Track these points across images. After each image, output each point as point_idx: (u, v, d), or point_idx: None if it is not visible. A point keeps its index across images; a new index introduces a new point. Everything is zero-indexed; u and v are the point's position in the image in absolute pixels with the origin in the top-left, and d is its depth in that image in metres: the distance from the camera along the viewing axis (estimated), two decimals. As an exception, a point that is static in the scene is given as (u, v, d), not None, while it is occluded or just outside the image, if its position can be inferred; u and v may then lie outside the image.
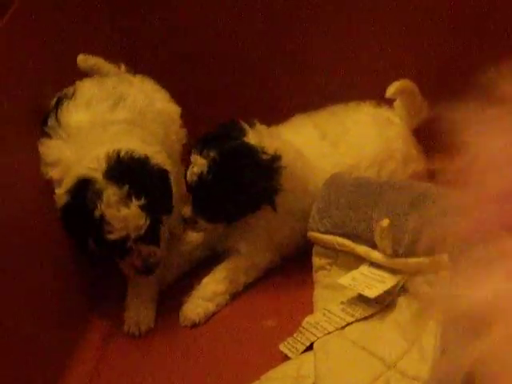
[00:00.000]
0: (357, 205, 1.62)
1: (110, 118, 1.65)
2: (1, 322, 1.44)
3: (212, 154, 1.63)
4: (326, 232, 1.66)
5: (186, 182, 1.68)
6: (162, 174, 1.62)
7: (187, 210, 1.70)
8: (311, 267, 1.69)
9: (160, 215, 1.60)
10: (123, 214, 1.52)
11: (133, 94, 1.73)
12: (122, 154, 1.56)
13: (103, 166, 1.54)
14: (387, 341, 1.44)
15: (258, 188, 1.65)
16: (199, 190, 1.67)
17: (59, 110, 1.65)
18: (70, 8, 1.89)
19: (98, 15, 2.02)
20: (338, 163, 1.75)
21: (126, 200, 1.52)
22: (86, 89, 1.70)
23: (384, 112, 1.84)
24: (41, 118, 1.68)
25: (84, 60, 1.79)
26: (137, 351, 1.66)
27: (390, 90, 1.79)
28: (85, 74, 1.78)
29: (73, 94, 1.68)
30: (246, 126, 1.68)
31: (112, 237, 1.53)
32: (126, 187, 1.52)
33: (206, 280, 1.72)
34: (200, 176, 1.64)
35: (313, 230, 1.68)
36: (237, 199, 1.66)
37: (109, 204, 1.52)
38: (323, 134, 1.78)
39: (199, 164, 1.64)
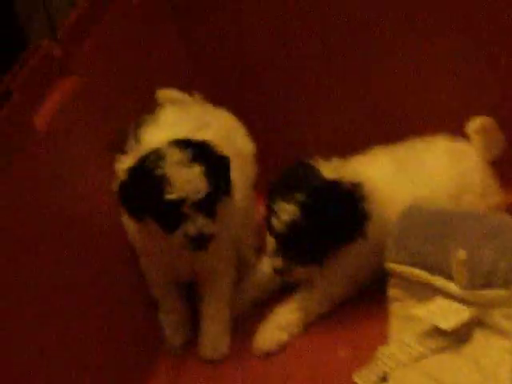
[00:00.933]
0: (433, 236, 1.60)
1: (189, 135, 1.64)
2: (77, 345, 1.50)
3: (300, 198, 1.59)
4: (403, 263, 1.64)
5: (271, 230, 1.65)
6: (225, 160, 1.63)
7: (278, 262, 1.66)
8: (386, 298, 1.68)
9: (219, 191, 1.60)
10: (184, 174, 1.54)
11: (217, 123, 1.75)
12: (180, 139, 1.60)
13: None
14: (463, 374, 1.42)
15: (350, 221, 1.63)
16: (292, 238, 1.62)
17: (139, 131, 1.69)
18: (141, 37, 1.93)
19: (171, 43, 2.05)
20: (414, 195, 1.72)
21: (188, 163, 1.54)
22: (170, 113, 1.74)
23: (459, 145, 1.81)
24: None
25: (163, 94, 1.82)
26: (208, 379, 1.68)
27: (472, 127, 1.77)
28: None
29: (154, 119, 1.71)
30: (318, 163, 1.65)
31: (171, 196, 1.53)
32: (189, 151, 1.55)
33: (279, 309, 1.72)
34: (292, 223, 1.60)
35: (389, 261, 1.67)
36: (333, 238, 1.64)
37: (171, 163, 1.54)
38: (399, 167, 1.76)
39: (289, 211, 1.59)
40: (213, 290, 1.73)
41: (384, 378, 1.49)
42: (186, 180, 1.54)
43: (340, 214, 1.61)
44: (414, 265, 1.62)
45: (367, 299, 1.74)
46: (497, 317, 1.46)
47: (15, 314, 1.42)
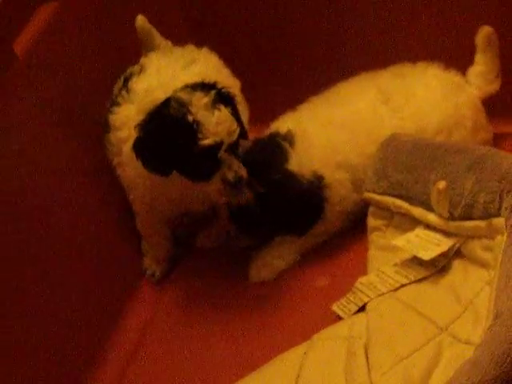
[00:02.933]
0: (414, 166, 1.60)
1: (180, 77, 1.60)
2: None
3: (259, 188, 1.63)
4: (383, 193, 1.64)
5: (229, 203, 1.66)
6: (234, 99, 1.59)
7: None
8: (366, 228, 1.68)
9: (242, 133, 1.56)
10: (217, 116, 1.48)
11: (202, 61, 1.70)
12: (196, 83, 1.54)
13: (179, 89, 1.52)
14: (440, 304, 1.43)
15: (303, 214, 1.68)
16: (245, 216, 1.68)
17: (129, 82, 1.64)
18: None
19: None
20: (399, 128, 1.71)
21: (216, 104, 1.49)
22: (154, 59, 1.69)
23: (454, 77, 1.79)
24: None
25: (143, 20, 1.77)
26: (188, 304, 1.73)
27: (480, 34, 1.74)
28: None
29: (141, 69, 1.66)
30: (288, 150, 1.67)
31: (207, 142, 1.47)
32: (213, 92, 1.50)
33: (279, 239, 1.73)
34: (247, 208, 1.65)
35: (369, 191, 1.68)
36: (282, 224, 1.70)
37: (199, 107, 1.48)
38: (386, 98, 1.74)
39: (247, 197, 1.62)
40: None
41: (362, 308, 1.50)
42: (218, 123, 1.48)
43: (292, 211, 1.66)
44: (394, 195, 1.62)
45: (347, 229, 1.75)
46: (476, 248, 1.46)
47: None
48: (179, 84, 1.55)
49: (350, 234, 1.74)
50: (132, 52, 1.76)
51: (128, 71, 1.68)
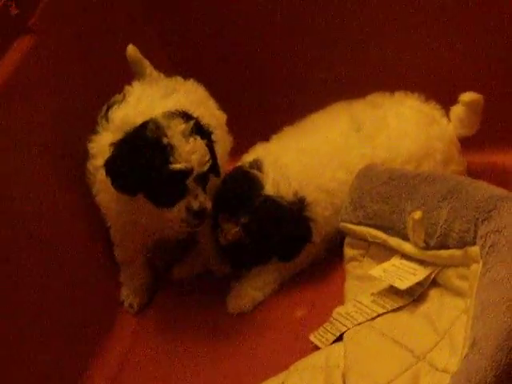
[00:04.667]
0: (390, 196, 1.61)
1: (158, 106, 1.60)
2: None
3: (243, 219, 1.63)
4: (359, 223, 1.65)
5: (218, 242, 1.69)
6: (210, 135, 1.60)
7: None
8: (342, 258, 1.69)
9: (211, 168, 1.56)
10: (191, 145, 1.49)
11: (183, 92, 1.70)
12: (177, 111, 1.55)
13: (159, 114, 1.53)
14: (417, 333, 1.43)
15: (292, 239, 1.68)
16: (234, 251, 1.69)
17: (109, 111, 1.64)
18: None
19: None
20: (369, 157, 1.72)
21: (192, 133, 1.50)
22: (137, 88, 1.69)
23: (431, 109, 1.80)
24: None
25: (134, 50, 1.76)
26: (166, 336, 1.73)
27: (465, 98, 1.74)
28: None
29: (123, 98, 1.66)
30: (259, 175, 1.67)
31: (178, 166, 1.48)
32: (192, 122, 1.52)
33: (256, 270, 1.73)
34: (237, 242, 1.65)
35: (345, 221, 1.68)
36: (277, 253, 1.71)
37: (177, 132, 1.49)
38: (358, 127, 1.76)
39: (233, 233, 1.64)
40: None
41: (340, 338, 1.50)
42: (192, 151, 1.49)
43: (282, 234, 1.66)
44: (370, 225, 1.63)
45: (324, 259, 1.75)
46: (452, 277, 1.47)
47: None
48: (156, 113, 1.56)
49: (328, 264, 1.74)
50: (117, 81, 1.75)
51: (112, 100, 1.68)
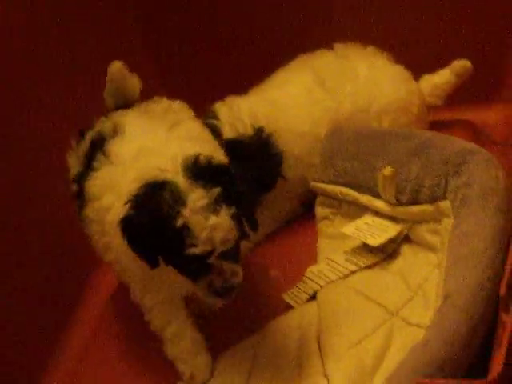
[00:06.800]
0: (360, 154, 1.61)
1: (168, 141, 1.40)
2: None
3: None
4: (330, 182, 1.65)
5: None
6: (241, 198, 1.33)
7: None
8: (314, 217, 1.69)
9: (245, 228, 1.35)
10: (211, 223, 1.25)
11: (186, 121, 1.50)
12: (201, 157, 1.31)
13: (179, 166, 1.29)
14: (390, 289, 1.44)
15: (266, 167, 1.69)
16: None
17: (105, 144, 1.43)
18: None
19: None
20: (333, 110, 1.72)
21: (215, 206, 1.26)
22: (131, 119, 1.49)
23: (404, 70, 1.81)
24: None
25: (117, 66, 1.54)
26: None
27: (457, 64, 1.78)
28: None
29: (115, 130, 1.45)
30: (216, 123, 1.69)
31: (195, 251, 1.26)
32: (217, 190, 1.27)
33: None
34: None
35: (316, 181, 1.68)
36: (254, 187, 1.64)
37: (194, 210, 1.25)
38: (322, 80, 1.75)
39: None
40: None
41: (313, 297, 1.50)
42: (213, 229, 1.25)
43: (255, 166, 1.66)
44: (341, 183, 1.63)
45: (296, 218, 1.76)
46: (423, 232, 1.47)
47: None
48: (171, 149, 1.35)
49: (300, 224, 1.75)
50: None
51: (94, 133, 1.49)
